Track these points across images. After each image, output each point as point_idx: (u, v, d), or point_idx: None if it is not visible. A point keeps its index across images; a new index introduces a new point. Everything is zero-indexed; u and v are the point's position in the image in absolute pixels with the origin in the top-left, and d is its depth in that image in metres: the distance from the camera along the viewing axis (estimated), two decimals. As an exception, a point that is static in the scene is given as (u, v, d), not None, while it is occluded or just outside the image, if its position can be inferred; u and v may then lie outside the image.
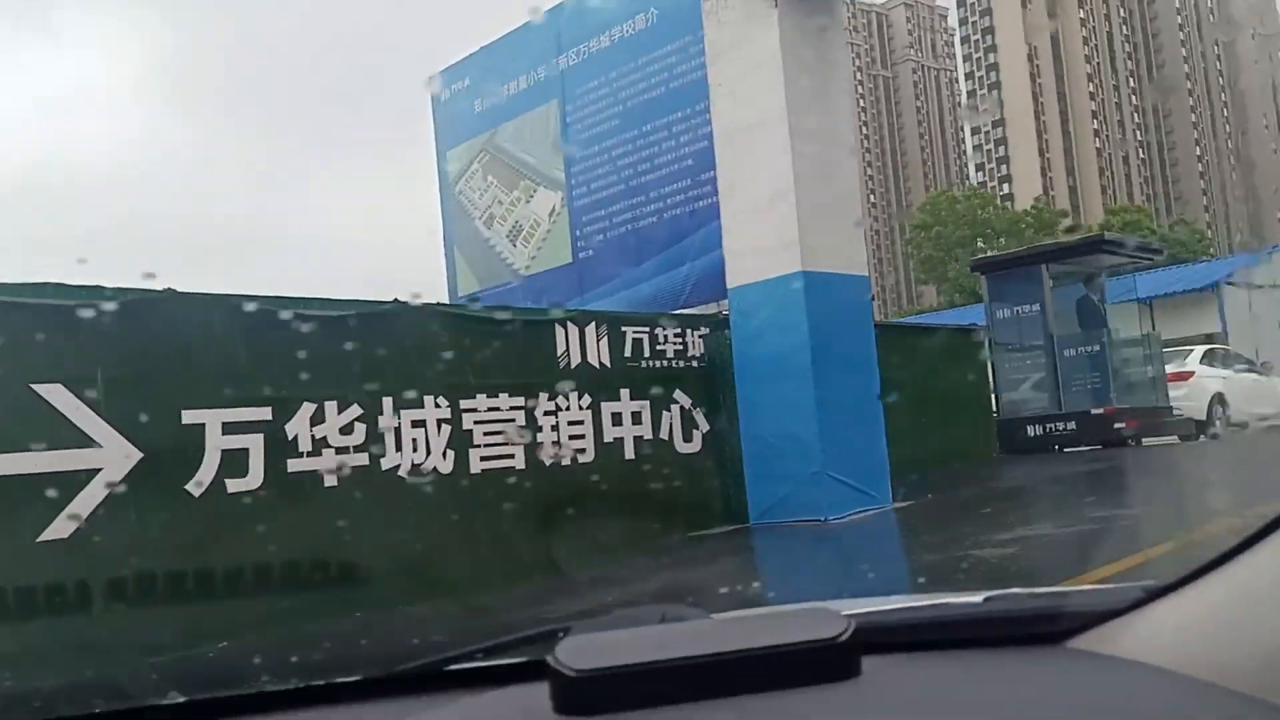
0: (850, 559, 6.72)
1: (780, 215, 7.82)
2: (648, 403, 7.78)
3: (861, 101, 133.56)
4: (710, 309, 9.45)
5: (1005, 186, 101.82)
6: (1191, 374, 14.48)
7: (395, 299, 6.56)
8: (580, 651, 0.85)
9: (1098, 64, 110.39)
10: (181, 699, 1.02)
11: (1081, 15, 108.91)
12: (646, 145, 11.03)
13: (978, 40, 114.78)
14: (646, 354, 7.94)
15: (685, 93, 10.39)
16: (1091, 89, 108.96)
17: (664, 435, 7.92)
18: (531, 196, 12.39)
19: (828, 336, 7.75)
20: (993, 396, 13.20)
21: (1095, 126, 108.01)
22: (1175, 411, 13.44)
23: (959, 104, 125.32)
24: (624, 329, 7.84)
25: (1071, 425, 12.56)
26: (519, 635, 1.07)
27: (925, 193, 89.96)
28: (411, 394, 6.43)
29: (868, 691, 0.86)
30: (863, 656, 0.88)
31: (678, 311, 9.30)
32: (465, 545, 6.53)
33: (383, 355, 6.30)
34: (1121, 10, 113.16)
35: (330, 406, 6.05)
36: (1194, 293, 25.54)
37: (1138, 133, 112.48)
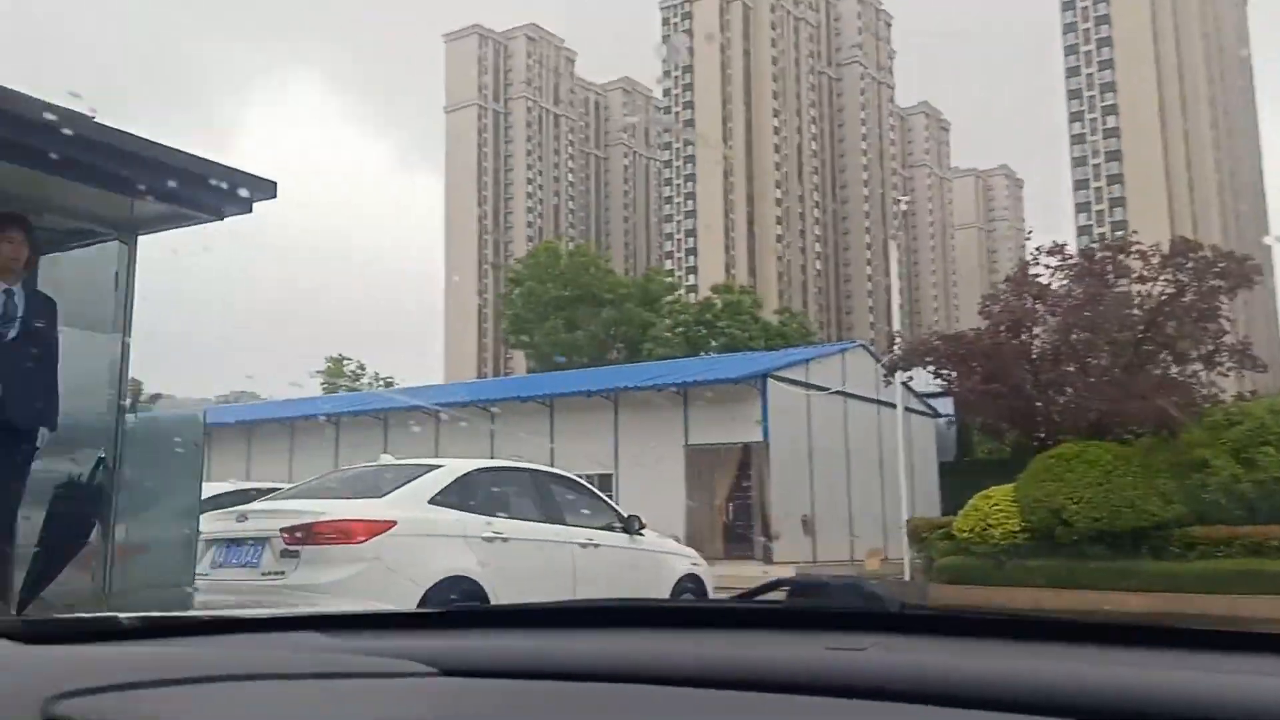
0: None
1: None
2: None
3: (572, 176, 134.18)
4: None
5: (692, 277, 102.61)
6: None
7: None
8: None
9: (786, 172, 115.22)
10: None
11: (776, 124, 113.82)
12: None
13: (678, 149, 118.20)
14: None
15: None
16: (779, 195, 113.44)
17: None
18: None
19: None
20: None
21: (779, 232, 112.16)
22: None
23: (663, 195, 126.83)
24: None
25: None
26: (758, 586, 1.28)
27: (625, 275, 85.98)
28: None
29: None
30: None
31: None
32: None
33: None
34: (814, 128, 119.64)
35: None
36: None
37: (817, 245, 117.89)
